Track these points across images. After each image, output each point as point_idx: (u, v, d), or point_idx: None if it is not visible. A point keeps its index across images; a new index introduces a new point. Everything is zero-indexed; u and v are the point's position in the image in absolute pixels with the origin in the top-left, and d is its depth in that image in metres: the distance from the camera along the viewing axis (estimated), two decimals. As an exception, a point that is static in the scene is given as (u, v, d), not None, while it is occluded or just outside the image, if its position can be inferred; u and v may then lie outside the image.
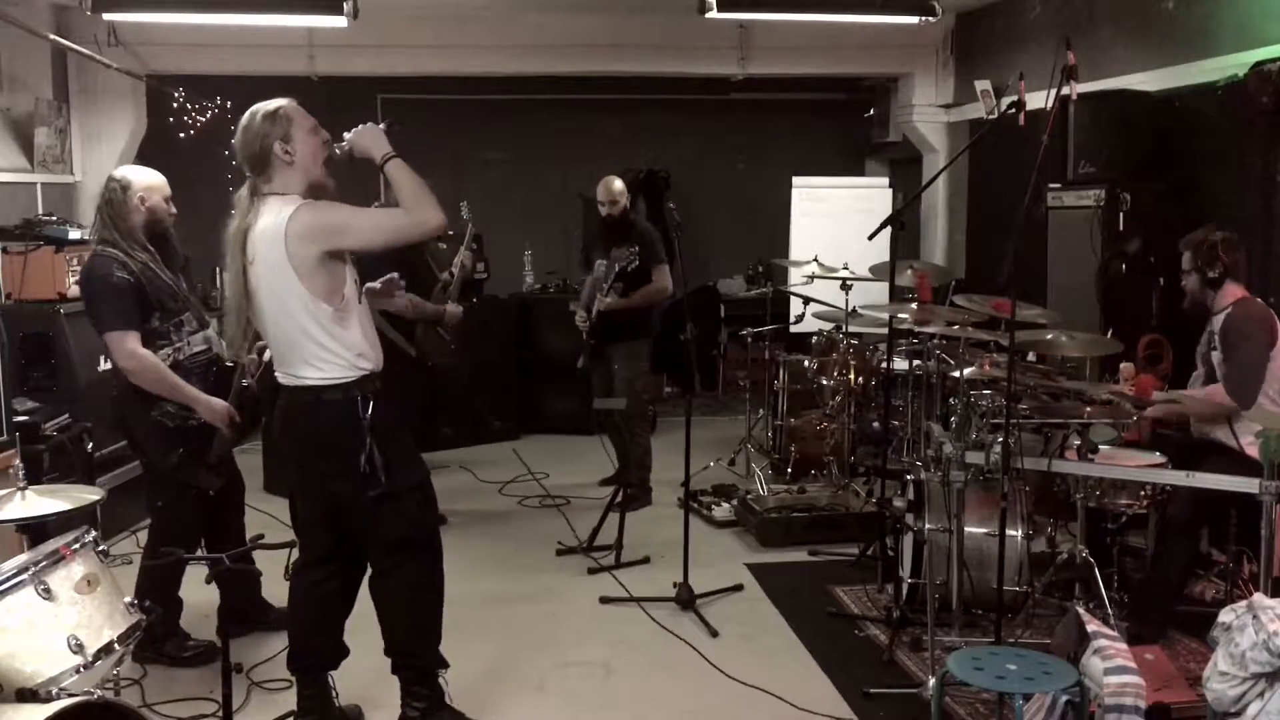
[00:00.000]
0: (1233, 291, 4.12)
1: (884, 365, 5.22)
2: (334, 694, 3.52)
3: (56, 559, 2.75)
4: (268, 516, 5.52)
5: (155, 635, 3.76)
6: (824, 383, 6.15)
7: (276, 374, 3.31)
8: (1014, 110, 4.03)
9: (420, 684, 3.44)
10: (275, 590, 4.21)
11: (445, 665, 3.50)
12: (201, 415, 3.83)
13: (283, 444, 3.41)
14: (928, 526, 4.10)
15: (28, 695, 2.55)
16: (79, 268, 5.43)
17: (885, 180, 9.07)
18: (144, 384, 3.77)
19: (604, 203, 5.93)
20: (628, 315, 5.81)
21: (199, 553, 3.88)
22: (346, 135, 3.22)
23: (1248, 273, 4.25)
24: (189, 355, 3.91)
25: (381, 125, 3.20)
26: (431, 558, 3.45)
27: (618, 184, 5.94)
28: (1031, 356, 4.79)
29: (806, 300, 6.64)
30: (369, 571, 3.49)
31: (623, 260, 5.63)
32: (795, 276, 6.99)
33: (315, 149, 3.20)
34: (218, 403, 3.86)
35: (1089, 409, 4.16)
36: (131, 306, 3.75)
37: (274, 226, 3.08)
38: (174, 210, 4.01)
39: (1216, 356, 4.10)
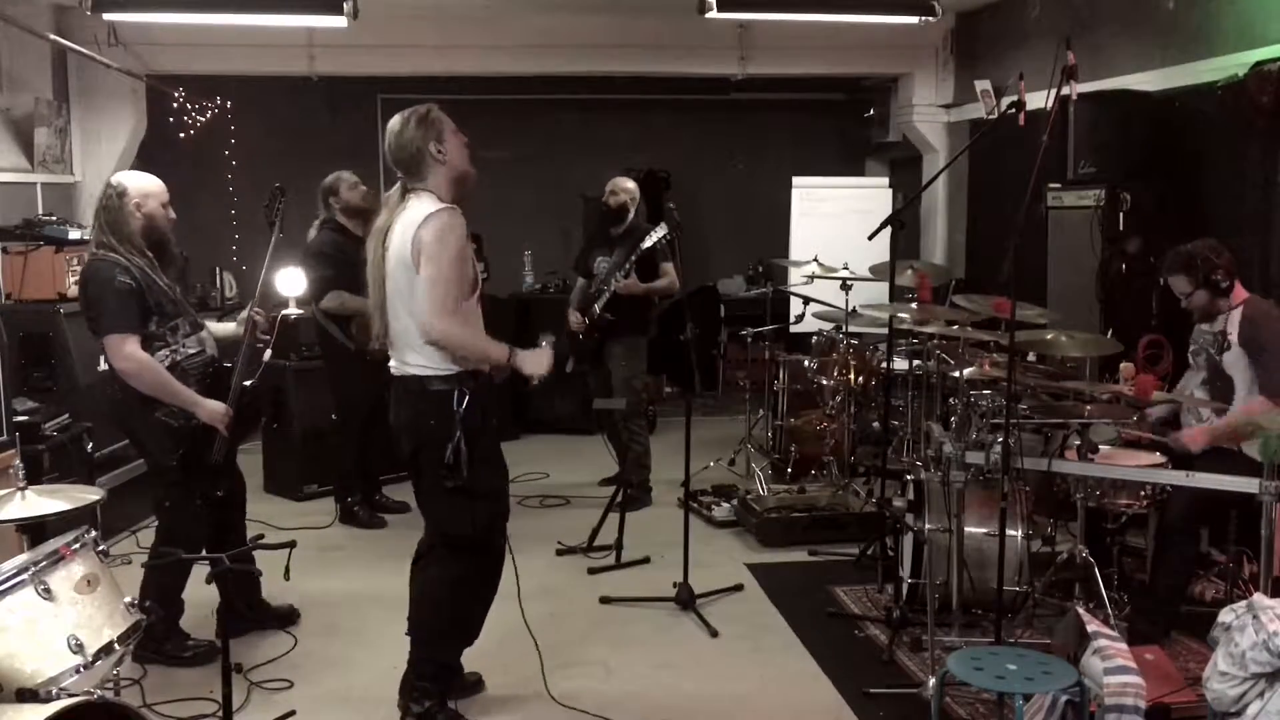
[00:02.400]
0: (1237, 292, 4.09)
1: (884, 365, 5.22)
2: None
3: (56, 559, 2.75)
4: (267, 516, 5.55)
5: (155, 635, 3.75)
6: (824, 383, 6.15)
7: (391, 363, 3.45)
8: (1014, 110, 4.03)
9: (431, 682, 3.43)
10: (275, 590, 4.22)
11: (457, 687, 3.51)
12: (200, 417, 3.82)
13: (395, 432, 3.49)
14: (928, 526, 4.10)
15: (28, 695, 2.54)
16: (79, 268, 5.44)
17: (885, 180, 9.06)
18: (141, 386, 3.78)
19: (615, 191, 5.94)
20: (630, 311, 5.80)
21: (201, 553, 3.88)
22: None
23: (1244, 271, 4.23)
24: (185, 357, 3.91)
25: None
26: (485, 563, 3.49)
27: (629, 183, 6.00)
28: (1032, 356, 4.79)
29: (806, 300, 6.63)
30: (416, 557, 3.57)
31: (655, 237, 5.56)
32: (795, 276, 6.99)
33: (460, 145, 3.44)
34: (215, 405, 3.85)
35: (1090, 408, 4.16)
36: (133, 310, 3.76)
37: (410, 222, 3.27)
38: (173, 215, 4.01)
39: (1229, 358, 4.05)
